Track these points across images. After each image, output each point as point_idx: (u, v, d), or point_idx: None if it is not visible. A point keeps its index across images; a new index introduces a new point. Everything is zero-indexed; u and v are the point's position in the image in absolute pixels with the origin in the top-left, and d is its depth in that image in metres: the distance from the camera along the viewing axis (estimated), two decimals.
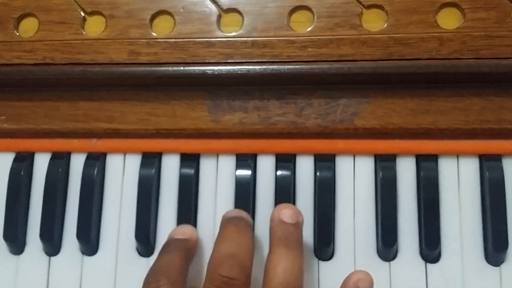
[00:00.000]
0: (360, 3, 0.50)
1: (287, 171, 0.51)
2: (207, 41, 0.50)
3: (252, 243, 0.45)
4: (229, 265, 0.42)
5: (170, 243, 0.48)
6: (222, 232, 0.46)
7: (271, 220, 0.46)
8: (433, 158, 0.50)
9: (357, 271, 0.45)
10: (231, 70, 0.49)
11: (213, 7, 0.51)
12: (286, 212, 0.46)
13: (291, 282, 0.42)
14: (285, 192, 0.50)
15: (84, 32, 0.52)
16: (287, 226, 0.45)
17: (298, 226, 0.46)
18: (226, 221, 0.47)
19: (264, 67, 0.49)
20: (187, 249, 0.48)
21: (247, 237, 0.45)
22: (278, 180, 0.50)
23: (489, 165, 0.49)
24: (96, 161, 0.53)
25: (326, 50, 0.49)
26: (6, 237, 0.52)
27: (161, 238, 0.51)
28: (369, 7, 0.50)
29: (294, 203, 0.50)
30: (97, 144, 0.53)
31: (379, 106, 0.49)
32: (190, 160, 0.52)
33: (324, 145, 0.51)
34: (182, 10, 0.51)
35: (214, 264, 0.43)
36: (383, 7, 0.49)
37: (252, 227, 0.50)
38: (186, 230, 0.50)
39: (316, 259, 0.50)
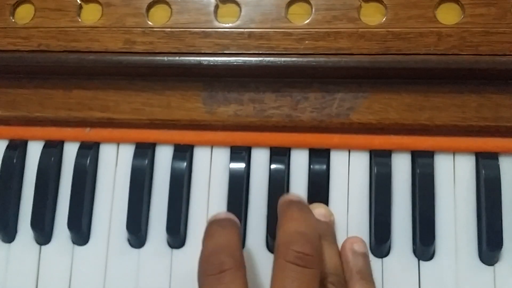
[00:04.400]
0: None
1: (281, 164, 0.50)
2: (203, 31, 0.50)
3: (317, 226, 0.44)
4: (302, 241, 0.41)
5: (220, 220, 0.45)
6: (286, 213, 0.44)
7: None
8: (429, 155, 0.49)
9: (350, 237, 0.47)
10: (227, 61, 0.49)
11: None
12: (319, 212, 0.47)
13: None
14: (278, 185, 0.50)
15: (80, 20, 0.52)
16: (323, 224, 0.46)
17: (330, 224, 0.48)
18: (289, 203, 0.45)
19: (260, 59, 0.49)
20: (239, 228, 0.45)
21: (313, 218, 0.45)
22: (272, 174, 0.50)
23: (486, 163, 0.48)
24: (89, 151, 0.52)
25: (323, 43, 0.49)
26: None
27: (153, 229, 0.51)
28: (368, 0, 0.49)
29: None
30: (90, 133, 0.53)
31: (375, 101, 0.49)
32: (183, 151, 0.51)
33: (319, 139, 0.50)
34: None
35: (285, 240, 0.41)
36: (382, 1, 0.49)
37: (244, 222, 0.50)
38: (230, 215, 0.47)
39: None
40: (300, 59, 0.48)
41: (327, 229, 0.47)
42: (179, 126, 0.51)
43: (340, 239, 0.48)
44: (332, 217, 0.48)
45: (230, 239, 0.43)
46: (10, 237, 0.53)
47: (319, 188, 0.49)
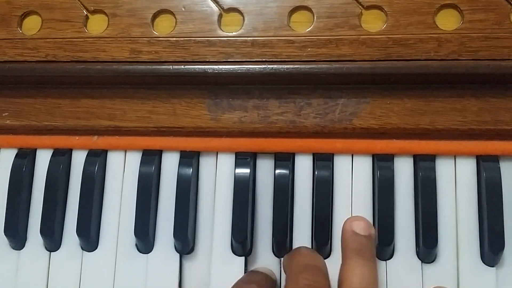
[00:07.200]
0: (360, 3, 0.50)
1: (286, 169, 0.51)
2: (207, 40, 0.51)
3: (324, 263, 0.46)
4: (312, 271, 0.43)
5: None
6: (294, 252, 0.47)
7: (343, 231, 0.46)
8: (430, 158, 0.50)
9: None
10: (231, 69, 0.50)
11: (214, 7, 0.52)
12: (358, 224, 0.45)
13: None
14: (283, 190, 0.50)
15: (86, 30, 0.53)
16: (360, 238, 0.45)
17: (370, 238, 0.45)
18: (296, 248, 0.49)
19: (263, 66, 0.50)
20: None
21: (321, 257, 0.47)
22: (277, 179, 0.51)
23: (486, 165, 0.49)
24: (97, 158, 0.53)
25: (325, 50, 0.50)
26: (7, 232, 0.53)
27: (160, 235, 0.52)
28: (368, 7, 0.50)
29: (292, 202, 0.51)
30: (98, 141, 0.54)
31: (377, 106, 0.50)
32: (189, 157, 0.52)
33: (322, 145, 0.51)
34: (183, 9, 0.52)
35: (296, 270, 0.43)
36: (383, 8, 0.50)
37: (250, 227, 0.51)
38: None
39: None
40: (303, 66, 0.49)
41: (365, 244, 0.45)
42: (185, 133, 0.52)
43: None
44: (372, 230, 0.46)
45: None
46: (20, 244, 0.53)
47: (323, 192, 0.50)
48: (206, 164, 0.53)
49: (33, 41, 0.53)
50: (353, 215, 0.50)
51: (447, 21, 0.49)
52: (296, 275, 0.42)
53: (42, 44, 0.53)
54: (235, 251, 0.51)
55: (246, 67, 0.50)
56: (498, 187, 0.48)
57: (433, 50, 0.48)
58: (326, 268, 0.45)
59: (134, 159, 0.53)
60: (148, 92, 0.53)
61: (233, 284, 0.46)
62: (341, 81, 0.50)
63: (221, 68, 0.50)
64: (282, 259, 0.49)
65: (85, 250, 0.52)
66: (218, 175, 0.52)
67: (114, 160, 0.54)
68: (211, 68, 0.50)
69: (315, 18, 0.50)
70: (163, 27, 0.52)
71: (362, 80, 0.50)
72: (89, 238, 0.52)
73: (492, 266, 0.48)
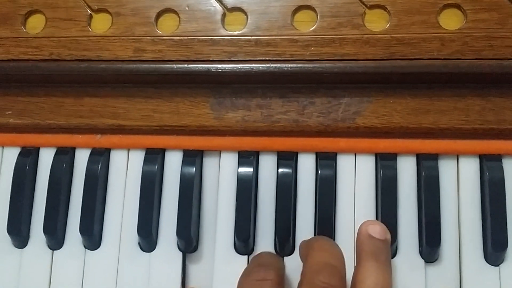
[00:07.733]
0: (363, 3, 0.50)
1: (289, 168, 0.51)
2: (211, 39, 0.51)
3: (344, 261, 0.45)
4: (329, 272, 0.41)
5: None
6: (315, 244, 0.45)
7: (359, 234, 0.46)
8: (433, 158, 0.50)
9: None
10: (235, 68, 0.50)
11: (217, 6, 0.52)
12: (375, 228, 0.45)
13: None
14: (286, 189, 0.51)
15: (90, 29, 0.53)
16: (376, 241, 0.45)
17: (386, 243, 0.45)
18: (317, 237, 0.48)
19: (267, 65, 0.50)
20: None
21: (341, 252, 0.45)
22: (280, 178, 0.51)
23: (489, 165, 0.49)
24: (100, 157, 0.53)
25: (328, 49, 0.50)
26: (10, 230, 0.53)
27: (163, 234, 0.52)
28: (372, 7, 0.50)
29: (295, 200, 0.51)
30: (101, 140, 0.54)
31: (380, 105, 0.50)
32: (192, 156, 0.52)
33: (325, 144, 0.51)
34: (187, 8, 0.52)
35: (313, 269, 0.42)
36: (386, 8, 0.50)
37: (253, 226, 0.51)
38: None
39: None
40: (306, 65, 0.49)
41: (382, 248, 0.44)
42: (188, 132, 0.52)
43: (348, 240, 0.49)
44: (388, 235, 0.45)
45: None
46: (22, 242, 0.54)
47: (326, 192, 0.50)
48: (209, 163, 0.53)
49: (37, 40, 0.53)
50: (356, 214, 0.50)
51: (450, 20, 0.49)
52: (312, 274, 0.42)
53: (46, 42, 0.53)
54: (238, 250, 0.51)
55: (250, 66, 0.50)
56: (501, 186, 0.48)
57: (436, 50, 0.48)
58: (344, 264, 0.44)
59: (137, 158, 0.53)
60: (151, 91, 0.53)
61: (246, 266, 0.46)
62: (344, 80, 0.50)
63: (225, 67, 0.50)
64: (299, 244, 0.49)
65: (87, 249, 0.52)
66: (221, 174, 0.52)
67: (117, 158, 0.54)
68: (215, 67, 0.50)
69: (318, 17, 0.50)
70: (167, 26, 0.52)
71: (366, 79, 0.50)
72: (92, 236, 0.52)
73: (495, 265, 0.48)
